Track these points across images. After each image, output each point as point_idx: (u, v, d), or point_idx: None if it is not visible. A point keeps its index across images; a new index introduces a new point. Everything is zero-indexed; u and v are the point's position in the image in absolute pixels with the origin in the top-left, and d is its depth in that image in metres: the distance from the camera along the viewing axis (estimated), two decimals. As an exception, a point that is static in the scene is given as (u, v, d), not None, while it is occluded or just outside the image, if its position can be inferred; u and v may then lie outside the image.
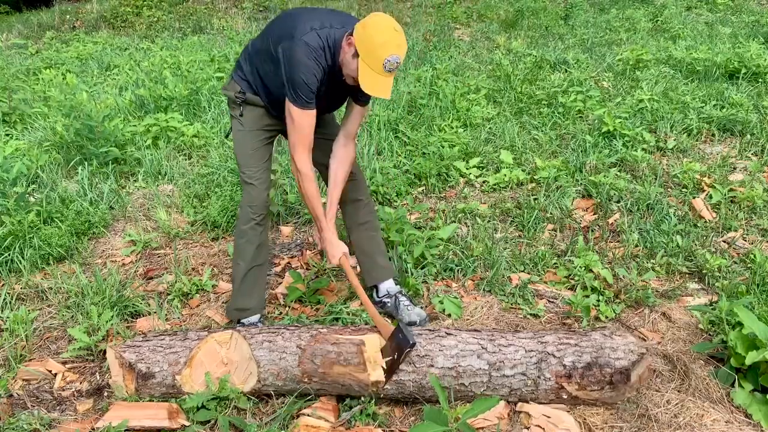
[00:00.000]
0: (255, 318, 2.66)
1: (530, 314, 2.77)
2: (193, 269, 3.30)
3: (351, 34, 2.17)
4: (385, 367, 2.17)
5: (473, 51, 7.82)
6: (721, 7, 9.78)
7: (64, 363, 2.57)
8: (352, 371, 2.15)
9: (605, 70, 6.49)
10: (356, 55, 2.14)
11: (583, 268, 2.98)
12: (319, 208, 2.46)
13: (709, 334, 2.56)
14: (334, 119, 2.76)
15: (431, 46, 8.03)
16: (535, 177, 4.08)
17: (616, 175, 3.98)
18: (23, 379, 2.47)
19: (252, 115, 2.51)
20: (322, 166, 2.57)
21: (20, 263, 3.19)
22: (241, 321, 2.65)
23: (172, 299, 2.99)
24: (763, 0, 10.24)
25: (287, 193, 3.93)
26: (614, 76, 6.23)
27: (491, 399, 1.88)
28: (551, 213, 3.64)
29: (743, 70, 5.81)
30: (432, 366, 2.14)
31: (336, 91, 2.41)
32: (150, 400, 2.26)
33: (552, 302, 2.87)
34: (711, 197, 3.66)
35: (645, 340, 2.58)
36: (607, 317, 2.71)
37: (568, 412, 2.14)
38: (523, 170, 4.19)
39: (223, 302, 2.99)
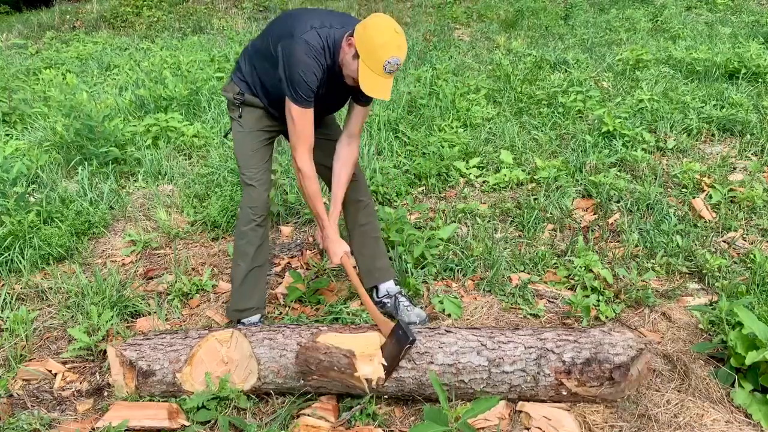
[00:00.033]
0: (255, 318, 2.66)
1: (530, 314, 2.78)
2: (193, 269, 3.30)
3: (351, 35, 2.16)
4: (385, 364, 2.17)
5: (473, 51, 7.82)
6: (721, 7, 9.78)
7: (64, 363, 2.57)
8: (347, 378, 2.16)
9: (605, 70, 6.50)
10: (356, 56, 2.14)
11: (583, 268, 2.99)
12: (321, 207, 2.45)
13: (709, 334, 2.56)
14: (335, 120, 2.76)
15: (431, 46, 8.03)
16: (535, 177, 4.08)
17: (616, 175, 3.98)
18: (23, 379, 2.47)
19: (251, 116, 2.51)
20: (323, 167, 2.57)
21: (20, 263, 3.19)
22: (242, 321, 2.65)
23: (172, 299, 2.99)
24: (763, 0, 10.25)
25: (287, 193, 3.94)
26: (614, 76, 6.23)
27: (491, 399, 1.89)
28: (551, 213, 3.64)
29: (743, 70, 5.82)
30: (432, 363, 2.15)
31: (336, 92, 2.41)
32: (150, 399, 2.26)
33: (552, 302, 2.87)
34: (711, 197, 3.66)
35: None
36: (607, 317, 2.71)
37: (568, 411, 2.14)
38: (523, 170, 4.19)
39: (223, 302, 2.99)
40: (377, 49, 2.09)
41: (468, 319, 2.76)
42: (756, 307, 2.57)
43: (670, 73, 6.15)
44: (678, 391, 2.25)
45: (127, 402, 2.25)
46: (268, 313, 2.84)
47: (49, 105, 5.31)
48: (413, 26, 9.64)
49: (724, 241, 3.28)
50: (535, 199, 3.81)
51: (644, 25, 8.59)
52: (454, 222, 3.58)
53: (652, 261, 3.10)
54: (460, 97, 5.42)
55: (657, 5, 9.81)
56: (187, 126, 4.99)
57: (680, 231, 3.32)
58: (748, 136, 4.55)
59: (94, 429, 2.15)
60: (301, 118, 2.29)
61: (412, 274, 3.00)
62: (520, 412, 2.16)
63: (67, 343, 2.70)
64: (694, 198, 3.67)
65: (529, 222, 3.51)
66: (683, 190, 3.83)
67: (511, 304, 2.85)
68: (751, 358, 2.11)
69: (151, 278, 3.23)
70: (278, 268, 3.29)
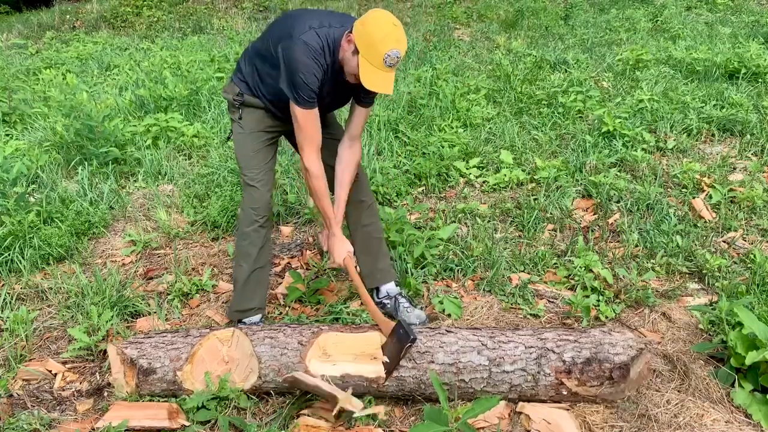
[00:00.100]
0: (257, 318, 2.66)
1: (530, 314, 2.78)
2: (193, 269, 3.30)
3: (350, 32, 2.17)
4: (386, 362, 2.17)
5: (473, 51, 7.82)
6: (721, 7, 9.78)
7: (64, 363, 2.57)
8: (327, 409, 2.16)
9: (605, 70, 6.50)
10: (356, 52, 2.14)
11: (583, 268, 2.99)
12: (329, 206, 2.46)
13: (709, 334, 2.56)
14: (336, 120, 2.76)
15: (431, 46, 8.04)
16: (535, 177, 4.08)
17: (616, 175, 3.98)
18: (23, 379, 2.47)
19: (251, 117, 2.51)
20: (328, 166, 2.57)
21: (20, 263, 3.19)
22: (243, 321, 2.65)
23: (172, 299, 2.99)
24: (763, 0, 10.25)
25: (287, 193, 3.94)
26: (614, 76, 6.23)
27: (492, 399, 1.89)
28: (551, 213, 3.64)
29: (743, 70, 5.82)
30: (432, 362, 2.15)
31: (337, 91, 2.41)
32: (150, 398, 2.26)
33: (552, 302, 2.87)
34: (711, 197, 3.66)
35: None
36: (607, 317, 2.71)
37: (568, 411, 2.14)
38: (523, 170, 4.19)
39: (223, 302, 2.99)
40: (376, 43, 2.09)
41: (468, 319, 2.76)
42: (756, 307, 2.57)
43: (670, 73, 6.16)
44: (678, 391, 2.25)
45: (127, 402, 2.25)
46: (268, 313, 2.84)
47: (49, 105, 5.31)
48: (413, 26, 9.65)
49: (724, 241, 3.28)
50: (535, 199, 3.81)
51: (644, 25, 8.59)
52: (454, 222, 3.58)
53: (652, 261, 3.10)
54: (460, 97, 5.42)
55: (657, 5, 9.81)
56: (187, 126, 4.99)
57: (680, 231, 3.33)
58: (748, 136, 4.55)
59: (94, 429, 2.15)
60: (305, 119, 2.29)
61: (412, 274, 3.00)
62: (520, 413, 2.16)
63: (67, 343, 2.70)
64: (694, 198, 3.67)
65: (529, 222, 3.51)
66: (683, 190, 3.83)
67: (511, 304, 2.86)
68: (751, 358, 2.11)
69: (151, 278, 3.23)
70: (278, 268, 3.29)
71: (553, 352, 2.12)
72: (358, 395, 2.24)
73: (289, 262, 3.34)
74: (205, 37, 9.28)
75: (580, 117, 5.16)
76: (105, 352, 2.55)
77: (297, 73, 2.19)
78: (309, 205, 3.79)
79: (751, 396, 2.16)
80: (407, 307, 2.72)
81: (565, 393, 2.13)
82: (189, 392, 2.23)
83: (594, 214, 3.66)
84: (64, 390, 2.42)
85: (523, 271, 3.11)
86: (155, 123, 4.96)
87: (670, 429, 2.08)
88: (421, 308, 2.80)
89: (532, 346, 2.15)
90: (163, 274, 3.22)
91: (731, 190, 3.72)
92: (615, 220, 3.55)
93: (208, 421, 2.18)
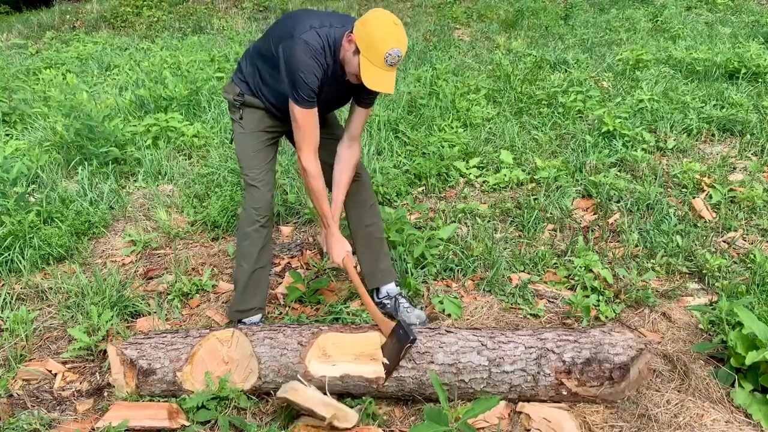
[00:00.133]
0: (257, 317, 2.66)
1: (530, 314, 2.78)
2: (193, 269, 3.30)
3: (351, 32, 2.17)
4: (386, 362, 2.17)
5: (473, 51, 7.82)
6: (721, 7, 9.78)
7: (64, 363, 2.57)
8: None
9: (605, 70, 6.50)
10: (357, 51, 2.14)
11: (583, 268, 2.99)
12: (326, 206, 2.46)
13: (709, 334, 2.56)
14: (337, 119, 2.76)
15: (431, 46, 8.04)
16: (535, 177, 4.08)
17: (616, 175, 3.98)
18: (23, 379, 2.47)
19: (252, 117, 2.51)
20: (327, 165, 2.57)
21: (20, 263, 3.19)
22: (243, 320, 2.65)
23: (172, 299, 2.99)
24: (763, 0, 10.25)
25: (287, 193, 3.94)
26: (614, 76, 6.23)
27: (492, 399, 1.89)
28: (551, 213, 3.64)
29: (743, 70, 5.82)
30: (432, 362, 2.15)
31: (338, 91, 2.41)
32: (150, 399, 2.26)
33: (552, 302, 2.87)
34: (711, 197, 3.66)
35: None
36: (607, 317, 2.71)
37: (569, 411, 2.14)
38: (523, 170, 4.19)
39: (223, 302, 2.99)
40: (377, 43, 2.09)
41: (468, 319, 2.76)
42: (756, 307, 2.57)
43: (670, 73, 6.15)
44: (678, 391, 2.25)
45: (127, 402, 2.25)
46: (268, 313, 2.84)
47: (49, 105, 5.31)
48: (413, 26, 9.65)
49: (724, 241, 3.28)
50: (535, 199, 3.81)
51: (644, 25, 8.59)
52: (454, 222, 3.58)
53: (652, 261, 3.10)
54: (460, 97, 5.42)
55: (657, 5, 9.81)
56: (187, 126, 4.99)
57: (680, 231, 3.32)
58: (748, 136, 4.55)
59: (94, 429, 2.15)
60: (304, 119, 2.29)
61: (412, 274, 3.00)
62: (520, 413, 2.16)
63: (67, 343, 2.70)
64: (694, 198, 3.67)
65: (529, 222, 3.51)
66: (683, 190, 3.83)
67: (511, 304, 2.85)
68: (751, 358, 2.11)
69: (151, 278, 3.23)
70: (278, 268, 3.29)
71: (553, 352, 2.12)
72: (358, 396, 2.24)
73: (289, 262, 3.34)
74: (205, 37, 9.28)
75: (580, 117, 5.16)
76: (105, 352, 2.55)
77: (297, 72, 2.19)
78: (309, 205, 3.79)
79: (751, 396, 2.16)
80: (407, 307, 2.72)
81: (565, 393, 2.13)
82: (189, 393, 2.23)
83: (594, 214, 3.66)
84: (64, 390, 2.42)
85: (523, 271, 3.11)
86: (155, 123, 4.96)
87: (670, 429, 2.08)
88: (421, 308, 2.80)
89: (532, 347, 2.15)
90: (163, 274, 3.22)
91: (731, 190, 3.72)
92: (615, 220, 3.55)
93: (208, 421, 2.18)
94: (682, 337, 2.58)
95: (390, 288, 2.79)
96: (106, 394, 2.37)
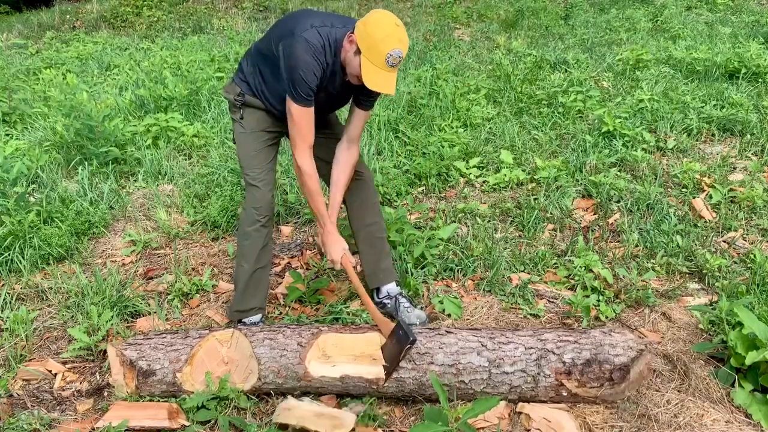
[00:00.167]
0: (257, 317, 2.66)
1: (530, 314, 2.77)
2: (193, 269, 3.30)
3: (352, 33, 2.17)
4: (386, 363, 2.17)
5: (473, 51, 7.82)
6: (721, 7, 9.78)
7: (64, 363, 2.57)
8: None
9: (605, 70, 6.49)
10: (358, 52, 2.14)
11: (583, 268, 2.98)
12: (322, 204, 2.45)
13: (709, 334, 2.56)
14: (338, 119, 2.76)
15: (431, 46, 8.04)
16: (535, 177, 4.08)
17: (616, 175, 3.98)
18: (23, 379, 2.47)
19: (253, 117, 2.51)
20: (328, 164, 2.57)
21: (20, 263, 3.19)
22: (243, 320, 2.65)
23: (172, 299, 2.99)
24: (763, 0, 10.24)
25: (287, 193, 3.94)
26: (614, 76, 6.23)
27: (492, 399, 1.89)
28: (551, 213, 3.64)
29: (743, 70, 5.81)
30: (432, 363, 2.15)
31: (338, 92, 2.41)
32: (150, 399, 2.26)
33: (552, 302, 2.87)
34: (711, 197, 3.66)
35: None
36: (607, 317, 2.71)
37: (569, 411, 2.14)
38: (523, 170, 4.19)
39: (223, 302, 2.99)
40: (378, 43, 2.09)
41: (468, 320, 2.76)
42: (756, 307, 2.57)
43: (670, 73, 6.15)
44: (678, 391, 2.25)
45: (127, 402, 2.25)
46: (268, 313, 2.84)
47: (49, 105, 5.31)
48: (413, 26, 9.64)
49: (724, 241, 3.28)
50: (535, 199, 3.81)
51: (644, 25, 8.59)
52: (454, 222, 3.58)
53: (652, 261, 3.10)
54: (460, 97, 5.42)
55: (657, 5, 9.81)
56: (187, 126, 4.99)
57: (680, 231, 3.32)
58: (748, 136, 4.55)
59: (94, 429, 2.15)
60: (301, 117, 2.29)
61: (412, 274, 3.00)
62: (520, 413, 2.16)
63: (67, 343, 2.70)
64: (694, 198, 3.67)
65: (529, 222, 3.51)
66: (683, 190, 3.83)
67: (511, 304, 2.85)
68: (751, 358, 2.11)
69: (151, 278, 3.23)
70: (278, 268, 3.29)
71: (553, 353, 2.12)
72: (357, 396, 2.24)
73: (289, 262, 3.34)
74: (205, 37, 9.28)
75: (580, 117, 5.16)
76: (105, 352, 2.55)
77: (296, 69, 2.19)
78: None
79: (751, 396, 2.16)
80: (407, 307, 2.72)
81: (565, 394, 2.13)
82: (189, 394, 2.23)
83: (594, 214, 3.66)
84: (64, 390, 2.42)
85: (523, 271, 3.11)
86: (155, 123, 4.96)
87: (670, 429, 2.08)
88: (422, 308, 2.80)
89: (532, 347, 2.15)
90: (163, 274, 3.22)
91: (731, 190, 3.72)
92: (615, 220, 3.55)
93: (208, 421, 2.18)
94: (682, 337, 2.58)
95: (390, 288, 2.79)
96: (106, 394, 2.37)
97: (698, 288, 2.93)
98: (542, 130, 4.89)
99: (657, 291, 2.89)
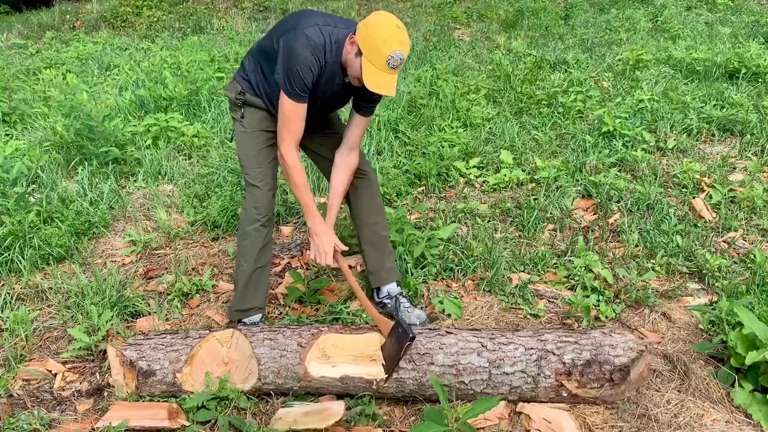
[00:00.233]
0: (257, 317, 2.66)
1: (530, 314, 2.78)
2: (193, 269, 3.30)
3: (354, 34, 2.17)
4: (385, 363, 2.17)
5: (473, 51, 7.82)
6: (721, 7, 9.78)
7: (64, 363, 2.57)
8: None
9: (605, 70, 6.50)
10: (359, 53, 2.14)
11: (583, 268, 2.98)
12: (309, 197, 2.44)
13: (709, 334, 2.56)
14: (340, 118, 2.76)
15: (431, 46, 8.04)
16: (535, 177, 4.08)
17: (616, 175, 3.98)
18: (23, 379, 2.47)
19: (253, 117, 2.51)
20: (330, 162, 2.56)
21: (20, 263, 3.19)
22: (243, 320, 2.65)
23: (172, 299, 2.99)
24: (763, 0, 10.25)
25: (287, 193, 3.94)
26: (614, 76, 6.23)
27: (492, 399, 1.89)
28: (551, 213, 3.64)
29: (743, 70, 5.81)
30: (432, 364, 2.15)
31: (338, 92, 2.41)
32: (150, 399, 2.26)
33: (552, 302, 2.87)
34: (711, 197, 3.66)
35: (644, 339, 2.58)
36: (607, 317, 2.71)
37: (569, 411, 2.14)
38: (523, 170, 4.19)
39: (223, 302, 2.99)
40: (379, 45, 2.09)
41: (468, 320, 2.76)
42: (756, 307, 2.57)
43: (670, 73, 6.15)
44: (678, 391, 2.25)
45: (127, 402, 2.25)
46: (268, 313, 2.84)
47: (49, 105, 5.31)
48: (413, 26, 9.64)
49: (724, 241, 3.28)
50: (535, 199, 3.81)
51: (644, 25, 8.59)
52: (454, 222, 3.58)
53: (652, 261, 3.10)
54: (460, 97, 5.42)
55: (657, 5, 9.81)
56: (187, 126, 4.99)
57: (680, 231, 3.32)
58: (748, 136, 4.55)
59: (94, 429, 2.15)
60: (292, 112, 2.28)
61: (412, 274, 3.00)
62: (520, 413, 2.16)
63: (67, 343, 2.70)
64: (694, 198, 3.67)
65: (529, 222, 3.51)
66: (683, 190, 3.83)
67: (511, 304, 2.85)
68: (751, 358, 2.11)
69: (151, 278, 3.23)
70: (278, 268, 3.29)
71: (554, 353, 2.12)
72: (357, 396, 2.24)
73: (289, 262, 3.34)
74: (205, 37, 9.28)
75: (580, 117, 5.16)
76: (105, 352, 2.55)
77: (294, 64, 2.19)
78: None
79: (751, 396, 2.16)
80: (408, 307, 2.72)
81: (565, 395, 2.13)
82: (189, 394, 2.23)
83: (594, 214, 3.66)
84: (64, 390, 2.42)
85: (523, 271, 3.11)
86: (155, 123, 4.96)
87: (670, 429, 2.08)
88: (422, 308, 2.80)
89: (532, 348, 2.14)
90: (163, 274, 3.22)
91: (731, 190, 3.72)
92: (615, 220, 3.55)
93: (208, 421, 2.18)
94: (682, 337, 2.58)
95: (391, 288, 2.79)
96: (106, 394, 2.37)
97: (698, 288, 2.93)
98: (542, 130, 4.90)
99: (657, 291, 2.89)
